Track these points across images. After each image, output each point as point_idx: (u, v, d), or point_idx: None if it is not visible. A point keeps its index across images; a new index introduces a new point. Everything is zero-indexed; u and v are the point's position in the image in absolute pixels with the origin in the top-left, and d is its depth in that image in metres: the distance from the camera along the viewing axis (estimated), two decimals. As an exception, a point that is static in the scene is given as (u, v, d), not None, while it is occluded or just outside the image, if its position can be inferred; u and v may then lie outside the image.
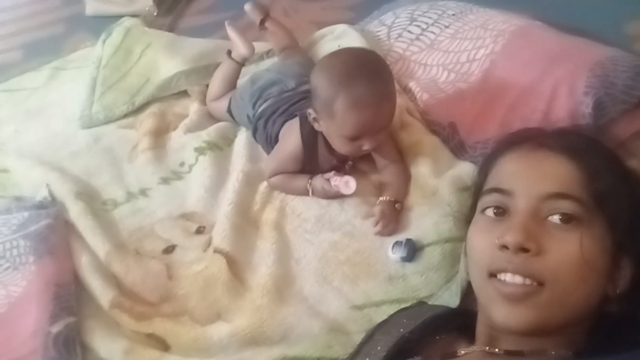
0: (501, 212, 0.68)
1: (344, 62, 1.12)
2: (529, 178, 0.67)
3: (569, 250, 0.61)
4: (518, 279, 0.62)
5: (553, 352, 0.61)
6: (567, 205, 0.63)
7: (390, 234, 1.13)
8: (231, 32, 1.57)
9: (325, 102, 1.11)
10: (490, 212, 0.69)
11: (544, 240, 0.62)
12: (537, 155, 0.68)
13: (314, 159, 1.22)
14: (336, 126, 1.13)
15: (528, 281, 0.62)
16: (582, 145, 0.69)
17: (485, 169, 0.75)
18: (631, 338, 0.61)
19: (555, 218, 0.63)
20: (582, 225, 0.62)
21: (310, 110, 1.16)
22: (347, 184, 1.13)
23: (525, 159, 0.69)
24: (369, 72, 1.09)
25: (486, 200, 0.70)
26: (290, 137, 1.24)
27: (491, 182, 0.71)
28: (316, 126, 1.17)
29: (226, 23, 1.59)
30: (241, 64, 1.55)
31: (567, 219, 0.63)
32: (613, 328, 0.63)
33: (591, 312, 0.64)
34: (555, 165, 0.66)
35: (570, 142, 0.69)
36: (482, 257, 0.66)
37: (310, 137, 1.20)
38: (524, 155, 0.70)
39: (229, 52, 1.55)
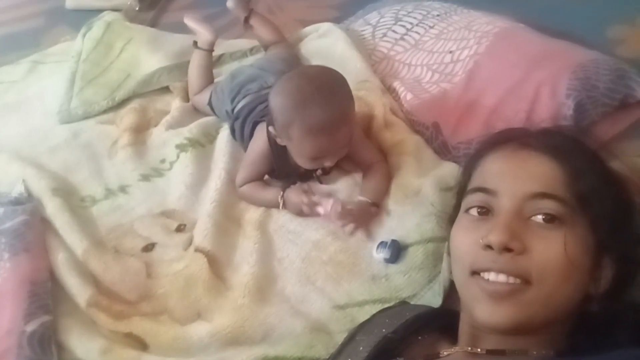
0: (485, 211, 0.68)
1: (299, 87, 1.10)
2: (513, 178, 0.67)
3: (553, 250, 0.62)
4: (502, 278, 0.63)
5: (535, 352, 0.61)
6: (550, 205, 0.64)
7: (366, 234, 1.12)
8: (190, 23, 1.58)
9: (282, 125, 1.11)
10: (474, 212, 0.69)
11: (528, 240, 0.63)
12: (521, 155, 0.69)
13: (286, 162, 1.21)
14: (294, 147, 1.13)
15: (512, 279, 0.62)
16: (566, 145, 0.70)
17: (469, 168, 0.75)
18: (612, 338, 0.61)
19: (539, 218, 0.64)
20: (565, 225, 0.63)
21: (270, 128, 1.16)
22: (327, 202, 1.11)
23: (509, 159, 0.70)
24: (324, 97, 1.07)
25: (470, 199, 0.70)
26: (258, 139, 1.23)
27: (475, 181, 0.71)
28: (278, 141, 1.16)
29: (184, 18, 1.60)
30: (210, 50, 1.55)
31: (550, 218, 0.63)
32: (594, 328, 0.63)
33: (573, 311, 0.64)
34: (538, 165, 0.66)
35: (554, 142, 0.69)
36: (466, 256, 0.66)
37: (280, 146, 1.18)
38: (508, 155, 0.70)
39: (195, 43, 1.55)
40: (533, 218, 0.64)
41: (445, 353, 0.66)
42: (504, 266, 0.62)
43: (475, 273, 0.65)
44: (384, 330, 0.72)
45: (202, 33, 1.54)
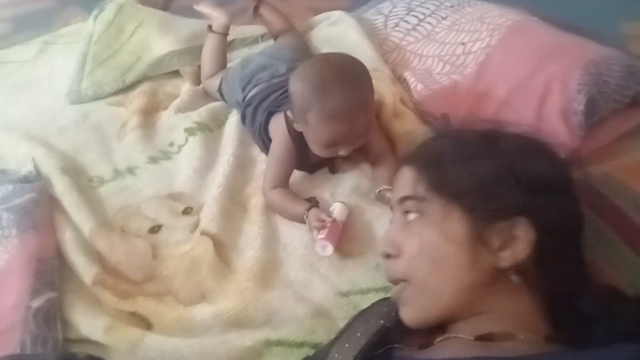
0: None
1: (320, 72, 1.09)
2: (394, 191, 0.76)
3: (415, 243, 0.68)
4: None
5: (522, 337, 0.62)
6: (410, 204, 0.71)
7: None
8: (203, 9, 1.59)
9: (300, 110, 1.10)
10: None
11: (404, 242, 0.70)
12: (399, 171, 0.77)
13: (304, 153, 1.20)
14: (311, 133, 1.13)
15: (399, 284, 0.70)
16: (428, 150, 0.77)
17: None
18: (606, 331, 0.61)
19: (408, 217, 0.71)
20: (426, 217, 0.69)
21: (289, 113, 1.16)
22: (323, 248, 1.08)
23: (396, 176, 0.77)
24: (344, 83, 1.06)
25: None
26: (279, 135, 1.22)
27: None
28: (295, 126, 1.16)
29: (195, 5, 1.60)
30: (224, 34, 1.55)
31: (414, 217, 0.70)
32: (588, 320, 0.63)
33: (483, 285, 0.65)
34: (403, 175, 0.75)
35: (419, 151, 0.78)
36: None
37: (298, 132, 1.18)
38: (398, 173, 0.78)
39: (210, 27, 1.55)
40: (407, 219, 0.71)
41: (438, 340, 0.67)
42: (387, 273, 0.73)
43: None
44: (381, 320, 0.74)
45: (217, 17, 1.54)
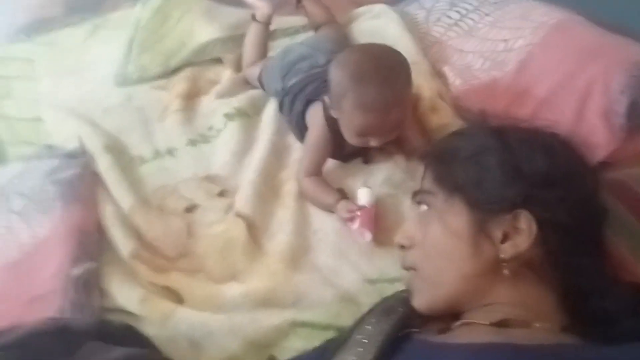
0: None
1: (359, 61, 1.11)
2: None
3: (423, 234, 0.71)
4: (404, 272, 0.76)
5: (538, 325, 0.62)
6: (419, 197, 0.75)
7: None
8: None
9: (336, 96, 1.12)
10: None
11: (415, 234, 0.73)
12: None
13: (339, 142, 1.22)
14: (344, 120, 1.14)
15: (411, 272, 0.73)
16: (438, 148, 0.80)
17: None
18: (627, 328, 0.62)
19: (420, 209, 0.75)
20: (433, 209, 0.72)
21: (326, 98, 1.17)
22: (362, 235, 1.09)
23: None
24: (382, 76, 1.07)
25: None
26: (316, 123, 1.24)
27: None
28: (332, 113, 1.17)
29: None
30: (267, 23, 1.58)
31: (424, 209, 0.73)
32: (610, 316, 0.63)
33: (488, 275, 0.66)
34: (420, 171, 0.78)
35: (431, 150, 0.82)
36: None
37: (334, 120, 1.19)
38: None
39: (253, 16, 1.58)
40: (419, 212, 0.75)
41: (455, 325, 0.68)
42: (401, 262, 0.76)
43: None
44: (400, 309, 0.75)
45: (261, 7, 1.57)
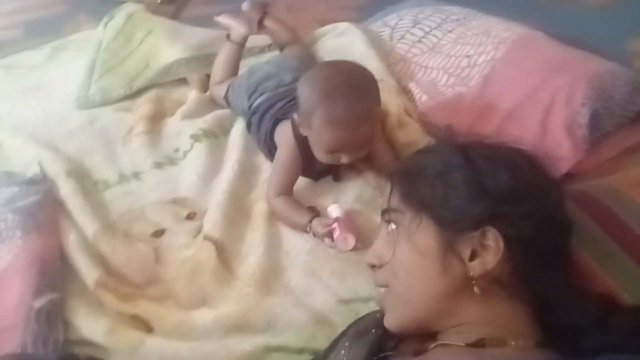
0: None
1: (328, 77, 1.11)
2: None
3: (391, 253, 0.70)
4: (378, 291, 0.75)
5: (513, 343, 0.62)
6: (387, 216, 0.74)
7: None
8: (224, 20, 1.62)
9: (305, 113, 1.11)
10: None
11: (384, 253, 0.72)
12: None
13: (309, 160, 1.21)
14: (314, 137, 1.14)
15: (382, 290, 0.73)
16: (403, 163, 0.82)
17: None
18: (596, 341, 0.61)
19: (389, 228, 0.73)
20: (401, 228, 0.70)
21: (295, 115, 1.17)
22: (345, 240, 1.09)
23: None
24: (351, 91, 1.07)
25: None
26: (285, 142, 1.23)
27: None
28: (301, 130, 1.17)
29: (216, 17, 1.64)
30: (241, 44, 1.58)
31: (392, 227, 0.72)
32: (579, 330, 0.63)
33: (458, 294, 0.66)
34: (386, 188, 0.77)
35: (398, 165, 0.84)
36: None
37: (304, 138, 1.18)
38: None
39: (228, 36, 1.57)
40: (388, 230, 0.73)
41: (431, 346, 0.67)
42: (374, 280, 0.76)
43: None
44: (373, 330, 0.74)
45: (237, 27, 1.57)
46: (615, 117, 1.15)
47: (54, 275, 1.08)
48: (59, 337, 0.99)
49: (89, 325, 1.01)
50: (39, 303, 1.00)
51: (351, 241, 1.09)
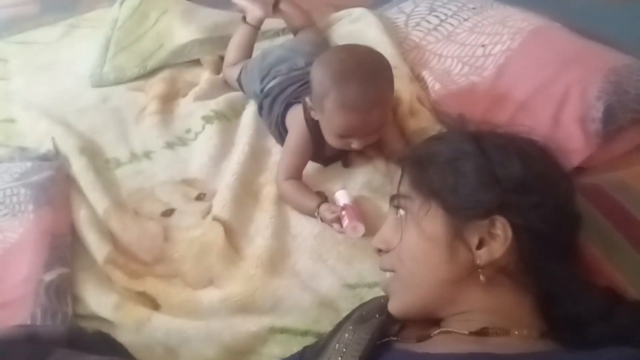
0: None
1: (342, 60, 1.10)
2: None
3: (399, 238, 0.70)
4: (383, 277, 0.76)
5: (516, 332, 0.63)
6: (396, 202, 0.73)
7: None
8: (240, 2, 1.60)
9: (318, 96, 1.11)
10: None
11: (392, 238, 0.72)
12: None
13: (319, 144, 1.21)
14: (325, 121, 1.13)
15: (388, 274, 0.74)
16: (413, 150, 0.81)
17: None
18: (600, 333, 0.62)
19: (398, 214, 0.73)
20: (410, 214, 0.70)
21: (307, 99, 1.16)
22: (354, 229, 1.09)
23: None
24: (364, 75, 1.07)
25: None
26: (296, 126, 1.23)
27: None
28: (312, 114, 1.16)
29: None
30: (257, 27, 1.57)
31: (402, 213, 0.72)
32: (583, 321, 0.64)
33: (463, 281, 0.66)
34: (396, 174, 0.76)
35: (408, 153, 0.79)
36: None
37: (315, 122, 1.18)
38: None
39: (244, 18, 1.56)
40: (397, 216, 0.73)
41: (435, 333, 0.68)
42: (379, 265, 0.76)
43: None
44: (377, 315, 0.74)
45: (253, 9, 1.56)
46: (629, 112, 1.13)
47: (65, 249, 1.09)
48: (68, 311, 1.00)
49: (97, 300, 1.02)
50: (49, 276, 1.02)
51: (361, 229, 1.09)
